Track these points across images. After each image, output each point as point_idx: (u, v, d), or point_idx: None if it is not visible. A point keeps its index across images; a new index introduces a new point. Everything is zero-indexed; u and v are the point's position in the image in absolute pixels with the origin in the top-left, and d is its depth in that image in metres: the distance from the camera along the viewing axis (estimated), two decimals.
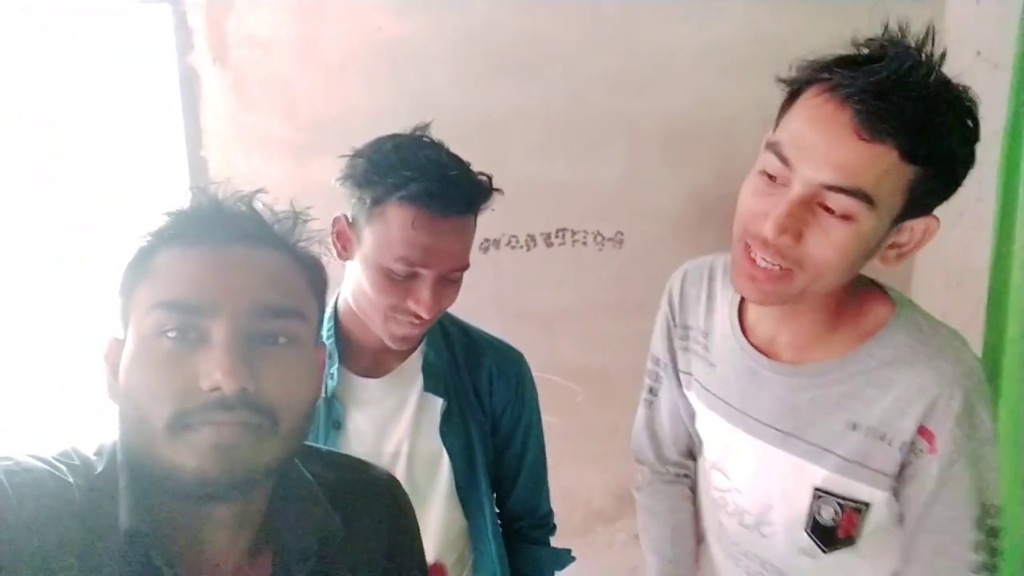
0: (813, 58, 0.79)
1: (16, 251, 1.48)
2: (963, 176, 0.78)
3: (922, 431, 0.82)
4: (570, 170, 1.67)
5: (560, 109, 1.64)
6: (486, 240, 1.68)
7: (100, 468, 0.61)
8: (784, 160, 0.77)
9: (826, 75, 0.76)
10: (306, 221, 0.69)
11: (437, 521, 1.09)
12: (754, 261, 0.81)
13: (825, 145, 0.74)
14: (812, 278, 0.80)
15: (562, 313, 1.76)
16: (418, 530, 0.82)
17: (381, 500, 0.77)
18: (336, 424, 1.03)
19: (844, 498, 0.88)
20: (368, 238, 0.95)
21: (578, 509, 1.90)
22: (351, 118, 1.54)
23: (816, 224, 0.77)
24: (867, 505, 0.87)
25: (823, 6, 1.65)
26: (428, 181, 0.92)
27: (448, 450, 1.08)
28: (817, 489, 0.90)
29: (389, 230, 0.93)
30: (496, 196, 1.00)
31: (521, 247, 1.70)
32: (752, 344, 0.96)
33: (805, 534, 0.92)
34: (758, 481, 0.97)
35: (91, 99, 1.46)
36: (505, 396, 1.14)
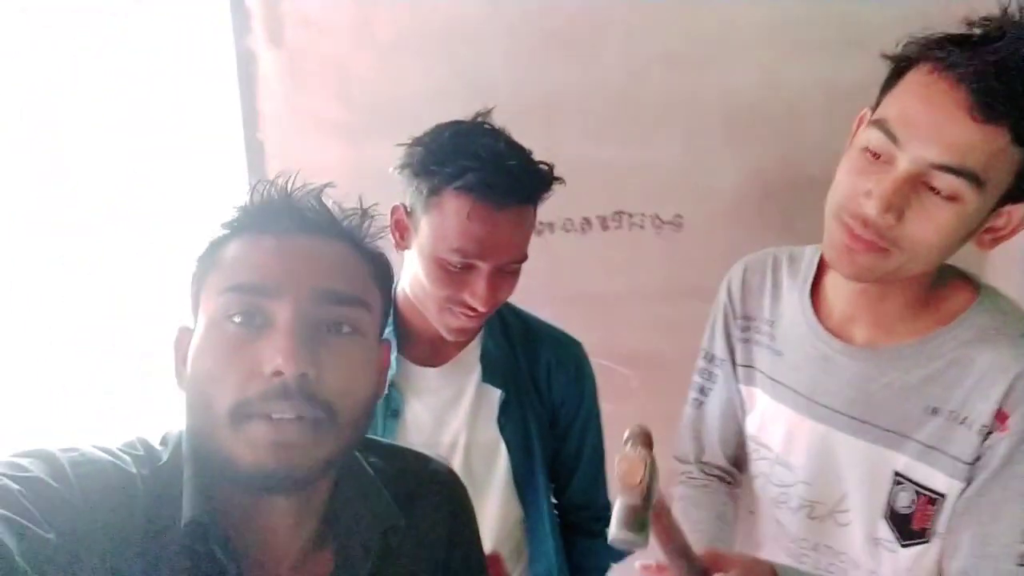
0: (922, 35, 0.76)
1: (68, 241, 1.51)
2: None
3: (997, 413, 0.81)
4: (627, 151, 1.63)
5: (617, 88, 1.60)
6: (540, 223, 1.65)
7: (165, 458, 0.62)
8: (892, 137, 0.75)
9: (940, 53, 0.74)
10: (373, 217, 0.70)
11: (494, 512, 1.08)
12: (853, 234, 0.80)
13: (937, 123, 0.72)
14: (909, 258, 0.78)
15: (617, 298, 1.73)
16: (476, 523, 0.82)
17: (441, 493, 0.77)
18: (394, 413, 1.02)
19: (921, 486, 0.87)
20: (424, 228, 0.94)
21: None
22: (406, 99, 1.53)
23: (919, 204, 0.75)
24: (942, 496, 0.85)
25: None
26: (485, 171, 0.89)
27: (506, 441, 1.07)
28: (897, 474, 0.88)
29: (445, 220, 0.91)
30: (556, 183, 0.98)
31: (576, 230, 1.67)
32: (826, 329, 0.94)
33: (883, 522, 0.90)
34: (830, 470, 0.94)
35: (149, 83, 1.48)
36: (564, 388, 1.12)
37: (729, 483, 1.14)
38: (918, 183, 0.75)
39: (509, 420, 1.07)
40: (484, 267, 0.93)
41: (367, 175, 1.50)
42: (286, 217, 0.64)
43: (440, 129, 0.96)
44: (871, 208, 0.76)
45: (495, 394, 1.06)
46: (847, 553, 0.96)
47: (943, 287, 0.88)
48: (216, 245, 0.65)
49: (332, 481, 0.67)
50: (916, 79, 0.76)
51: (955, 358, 0.84)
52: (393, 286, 0.72)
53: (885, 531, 0.91)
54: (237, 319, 0.59)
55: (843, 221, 0.80)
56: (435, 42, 1.53)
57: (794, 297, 0.99)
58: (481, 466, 1.07)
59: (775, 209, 1.58)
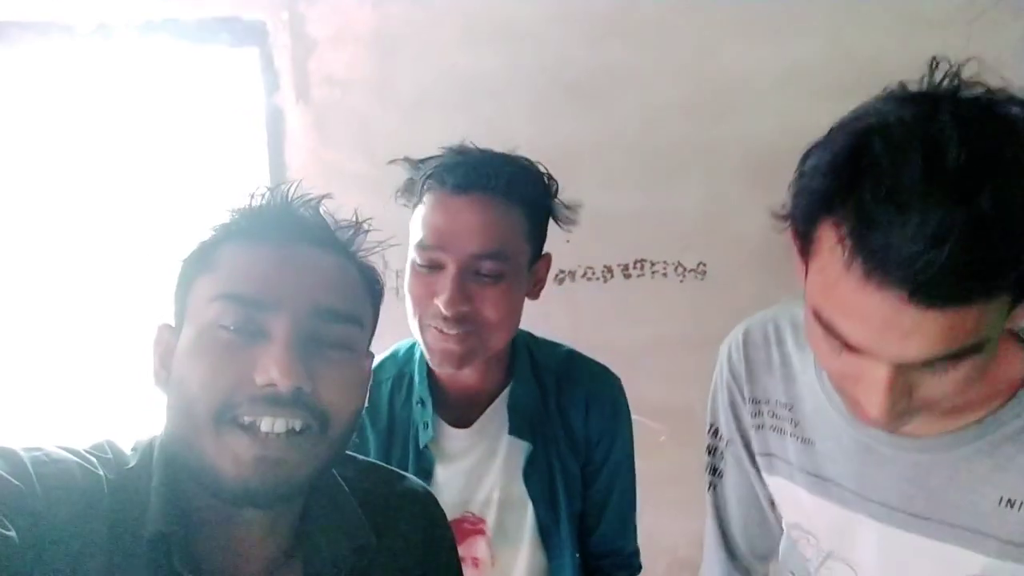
0: None
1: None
2: None
3: None
4: (648, 199, 1.63)
5: (635, 138, 1.62)
6: (561, 271, 1.64)
7: (133, 463, 0.60)
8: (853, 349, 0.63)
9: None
10: (367, 232, 0.69)
11: (523, 563, 1.03)
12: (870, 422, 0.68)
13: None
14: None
15: (642, 348, 1.70)
16: (453, 543, 0.78)
17: (415, 511, 0.74)
18: (426, 474, 0.99)
19: None
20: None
21: (662, 557, 1.79)
22: (428, 153, 1.56)
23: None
24: None
25: (913, 24, 1.58)
26: (448, 159, 0.90)
27: (530, 494, 1.03)
28: None
29: (415, 221, 0.90)
30: (569, 220, 0.97)
31: (598, 279, 1.66)
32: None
33: None
34: (897, 571, 0.81)
35: (184, 136, 1.54)
36: (600, 425, 1.07)
37: None
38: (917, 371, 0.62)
39: (535, 472, 1.03)
40: (451, 265, 0.88)
41: (392, 228, 1.53)
42: (284, 225, 0.63)
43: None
44: (872, 409, 0.64)
45: (523, 446, 1.03)
46: None
47: (997, 355, 0.70)
48: (208, 247, 0.63)
49: (305, 495, 0.65)
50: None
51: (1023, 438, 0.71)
52: (381, 301, 0.71)
53: None
54: (230, 327, 0.58)
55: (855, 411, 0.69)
56: (456, 97, 1.57)
57: (810, 376, 0.85)
58: (513, 520, 1.02)
59: None
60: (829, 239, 0.60)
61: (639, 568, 1.18)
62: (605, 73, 1.59)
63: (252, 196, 0.65)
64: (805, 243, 0.65)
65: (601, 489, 1.10)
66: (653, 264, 1.66)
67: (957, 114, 0.56)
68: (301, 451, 0.57)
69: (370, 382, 0.68)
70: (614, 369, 1.68)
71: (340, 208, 1.73)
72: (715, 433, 0.98)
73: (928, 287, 0.54)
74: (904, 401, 0.64)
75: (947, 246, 0.52)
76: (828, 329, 0.63)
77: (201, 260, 0.63)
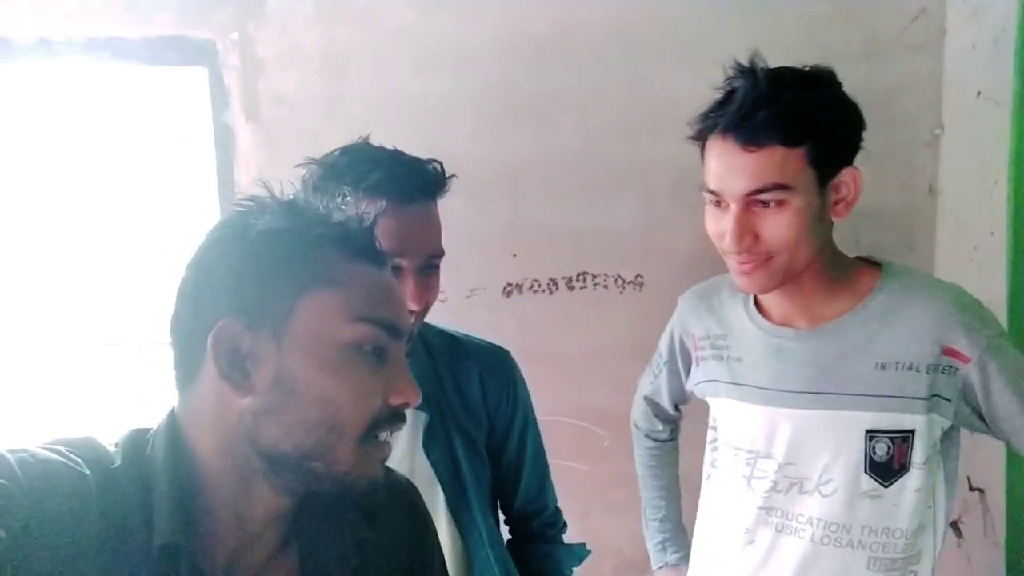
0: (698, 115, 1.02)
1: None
2: (855, 129, 0.99)
3: (947, 351, 0.98)
4: (589, 216, 1.71)
5: (576, 158, 1.70)
6: (509, 284, 1.70)
7: (118, 462, 0.60)
8: (715, 193, 0.99)
9: (708, 123, 0.99)
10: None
11: (443, 536, 1.07)
12: (739, 263, 1.00)
13: (729, 169, 0.96)
14: (786, 257, 0.98)
15: (586, 357, 1.77)
16: (436, 532, 0.82)
17: (402, 503, 0.77)
18: None
19: (892, 431, 1.01)
20: None
21: (608, 559, 1.85)
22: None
23: (763, 220, 0.97)
24: (912, 432, 1.01)
25: (821, 56, 1.72)
26: (390, 170, 0.95)
27: (432, 464, 1.06)
28: (868, 431, 1.02)
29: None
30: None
31: (543, 291, 1.72)
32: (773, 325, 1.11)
33: (865, 476, 1.03)
34: (810, 446, 1.06)
35: (132, 155, 1.53)
36: (498, 395, 1.13)
37: (671, 439, 1.41)
38: (751, 210, 0.96)
39: (434, 443, 1.06)
40: (408, 265, 0.95)
41: None
42: (375, 248, 0.67)
43: (329, 153, 1.01)
44: (729, 244, 0.98)
45: (421, 416, 1.06)
46: (835, 520, 1.06)
47: (854, 272, 1.06)
48: (316, 257, 0.61)
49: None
50: (708, 148, 1.00)
51: (885, 319, 1.01)
52: None
53: (868, 483, 1.03)
54: (369, 349, 0.62)
55: (729, 257, 1.01)
56: (404, 117, 1.62)
57: (739, 309, 1.15)
58: (426, 494, 1.07)
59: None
60: (711, 141, 0.99)
61: (565, 525, 1.26)
62: (546, 96, 1.67)
63: (359, 213, 0.66)
64: (704, 152, 1.02)
65: (513, 452, 1.16)
66: (595, 276, 1.74)
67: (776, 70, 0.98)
68: None
69: None
70: (560, 377, 1.75)
71: None
72: (660, 355, 1.33)
73: (747, 135, 0.93)
74: (749, 238, 0.96)
75: (751, 110, 0.93)
76: (706, 190, 1.00)
77: (311, 269, 0.61)
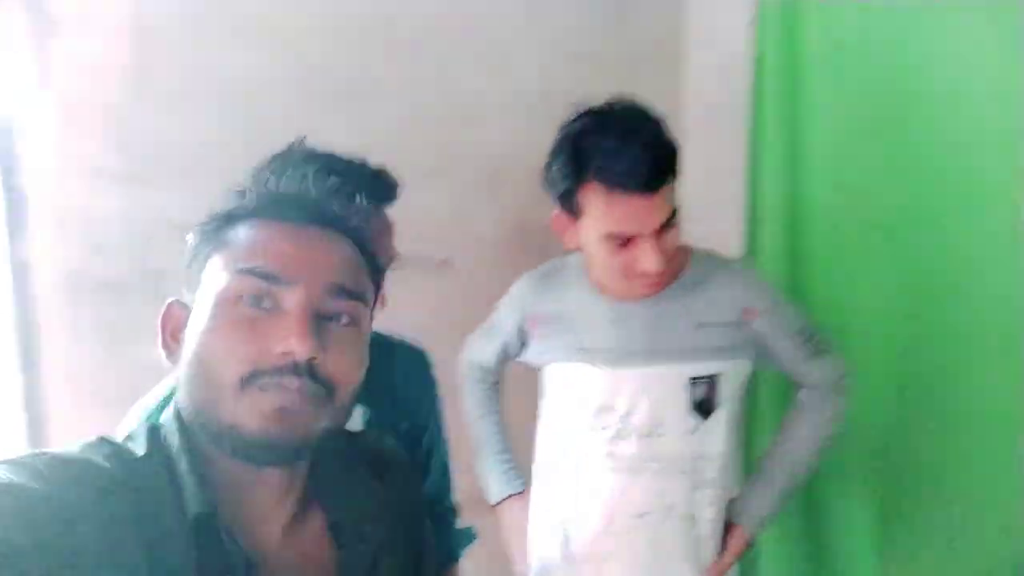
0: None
1: None
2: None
3: (744, 311, 1.27)
4: (403, 200, 1.80)
5: (390, 144, 1.75)
6: None
7: (142, 452, 0.63)
8: (621, 235, 1.17)
9: (600, 178, 1.16)
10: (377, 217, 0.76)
11: None
12: (646, 283, 1.24)
13: (636, 213, 1.16)
14: (674, 259, 1.25)
15: (400, 332, 1.86)
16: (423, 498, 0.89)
17: (401, 469, 0.84)
18: None
19: (707, 377, 1.28)
20: None
21: None
22: (184, 146, 1.57)
23: (663, 241, 1.18)
24: (720, 375, 1.29)
25: (591, 67, 1.96)
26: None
27: None
28: (691, 378, 1.28)
29: None
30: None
31: None
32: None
33: (690, 415, 1.28)
34: (648, 397, 1.29)
35: None
36: (418, 390, 1.24)
37: (497, 382, 1.56)
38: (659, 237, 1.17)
39: None
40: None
41: (150, 224, 1.50)
42: (299, 206, 0.69)
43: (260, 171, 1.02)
44: (653, 271, 1.17)
45: (363, 411, 1.13)
46: (669, 457, 1.29)
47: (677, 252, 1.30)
48: (223, 226, 0.68)
49: (309, 461, 0.70)
50: (594, 197, 1.17)
51: (697, 288, 1.28)
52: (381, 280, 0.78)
53: (694, 419, 1.28)
54: (248, 300, 0.62)
55: (636, 280, 1.22)
56: (215, 95, 1.59)
57: (583, 290, 1.34)
58: None
59: (533, 250, 1.85)
60: (591, 195, 1.17)
61: (457, 514, 1.38)
62: (360, 80, 1.73)
63: (265, 176, 0.70)
64: (574, 210, 1.21)
65: (429, 440, 1.28)
66: (410, 259, 1.83)
67: (620, 112, 1.19)
68: (315, 407, 0.63)
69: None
70: None
71: (94, 207, 1.65)
72: (498, 327, 1.48)
73: (647, 185, 1.12)
74: (661, 256, 1.16)
75: (647, 166, 1.12)
76: (614, 239, 1.17)
77: (216, 238, 0.67)
